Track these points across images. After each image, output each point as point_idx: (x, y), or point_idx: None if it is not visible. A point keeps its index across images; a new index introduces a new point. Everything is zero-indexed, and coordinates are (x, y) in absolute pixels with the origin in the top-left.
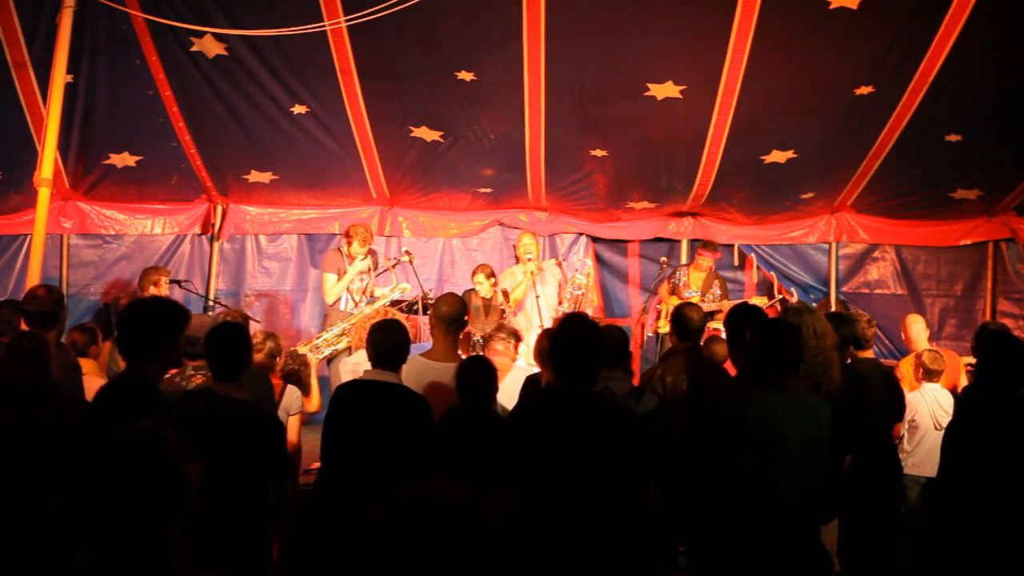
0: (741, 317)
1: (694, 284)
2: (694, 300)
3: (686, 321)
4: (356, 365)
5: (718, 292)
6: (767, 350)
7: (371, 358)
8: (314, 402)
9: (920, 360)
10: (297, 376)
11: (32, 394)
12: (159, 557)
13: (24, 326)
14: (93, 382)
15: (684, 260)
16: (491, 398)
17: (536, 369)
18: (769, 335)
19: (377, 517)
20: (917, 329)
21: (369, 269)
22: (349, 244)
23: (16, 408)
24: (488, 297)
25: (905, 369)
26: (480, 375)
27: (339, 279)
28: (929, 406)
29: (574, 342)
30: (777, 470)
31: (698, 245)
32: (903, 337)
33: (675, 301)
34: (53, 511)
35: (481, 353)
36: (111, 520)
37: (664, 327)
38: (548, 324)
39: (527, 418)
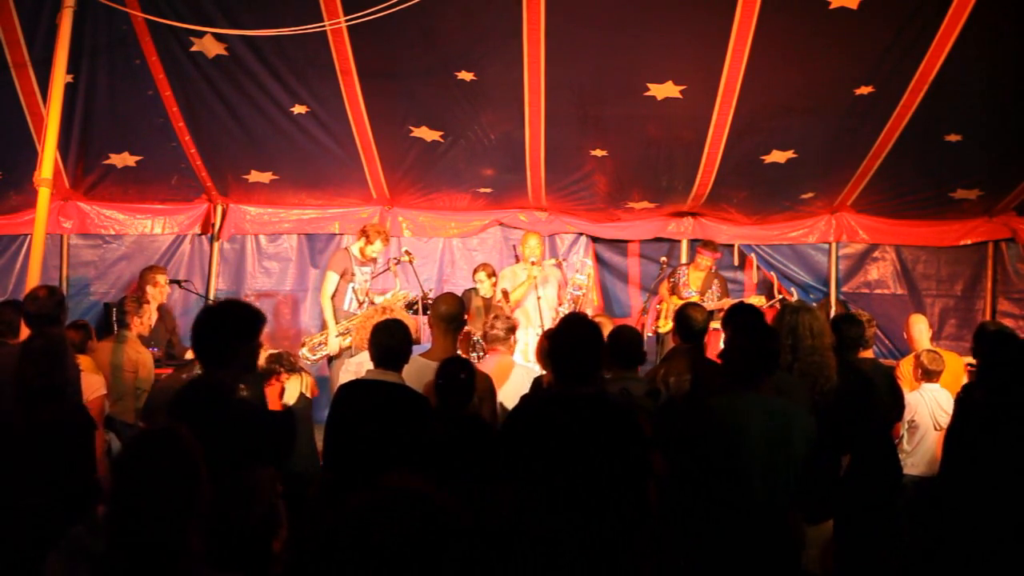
0: (739, 317)
1: (693, 284)
2: (693, 300)
3: (690, 322)
4: (359, 365)
5: (717, 292)
6: (740, 351)
7: (373, 358)
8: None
9: (919, 360)
10: (295, 366)
11: (43, 394)
12: (175, 556)
13: (24, 327)
14: (88, 379)
15: (684, 260)
16: (466, 399)
17: (538, 369)
18: (744, 336)
19: (358, 515)
20: (920, 329)
21: (368, 281)
22: (369, 242)
23: (27, 408)
24: (488, 296)
25: (905, 369)
26: (454, 376)
27: (342, 279)
28: (929, 406)
29: (574, 342)
30: (740, 468)
31: (698, 244)
32: (905, 336)
33: (676, 300)
34: (60, 509)
35: (482, 353)
36: (127, 519)
37: (664, 326)
38: (548, 324)
39: (527, 418)
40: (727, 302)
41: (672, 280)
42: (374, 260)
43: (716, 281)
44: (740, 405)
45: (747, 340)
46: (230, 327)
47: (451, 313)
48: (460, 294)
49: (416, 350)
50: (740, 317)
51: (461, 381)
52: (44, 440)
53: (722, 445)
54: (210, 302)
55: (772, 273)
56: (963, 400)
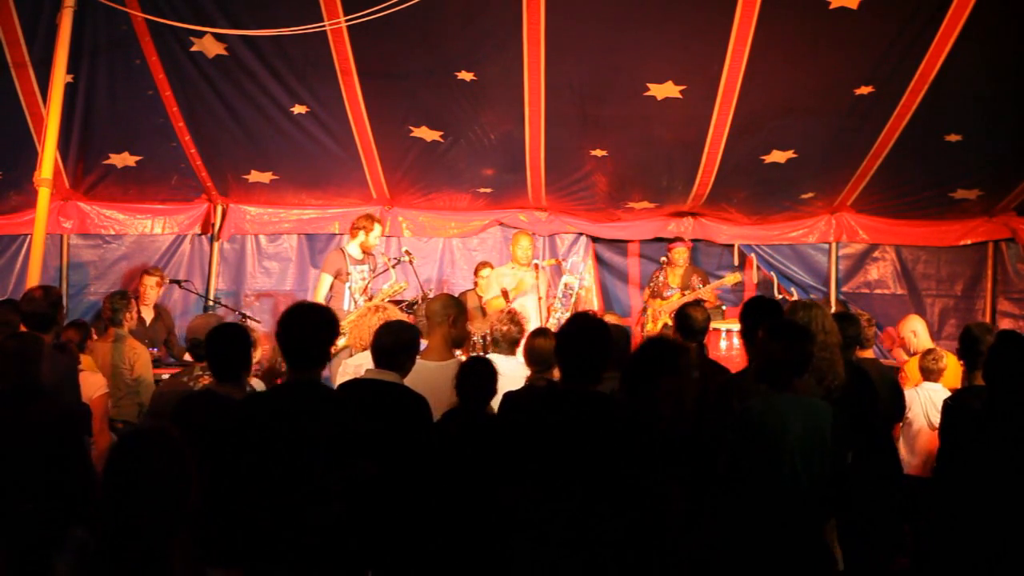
0: (757, 312)
1: (673, 282)
2: (674, 298)
3: (690, 321)
4: (358, 368)
5: (699, 284)
6: (780, 352)
7: (374, 358)
8: None
9: (923, 360)
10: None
11: (17, 395)
12: (165, 555)
13: (23, 327)
14: (90, 378)
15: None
16: (488, 399)
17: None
18: (782, 337)
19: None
20: (915, 329)
21: (366, 278)
22: (368, 232)
23: (2, 409)
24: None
25: (911, 370)
26: (478, 376)
27: (336, 280)
28: (923, 404)
29: (581, 340)
30: (781, 468)
31: (667, 243)
32: (905, 339)
33: (658, 303)
34: (56, 512)
35: (481, 353)
36: (117, 519)
37: (651, 331)
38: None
39: (529, 418)
40: (708, 290)
41: (652, 284)
42: (373, 256)
43: (696, 276)
44: (779, 406)
45: (782, 343)
46: (326, 329)
47: (445, 312)
48: (458, 295)
49: None
50: (772, 319)
51: (484, 380)
52: (29, 442)
53: (765, 448)
54: (210, 303)
55: (772, 273)
56: (954, 408)
